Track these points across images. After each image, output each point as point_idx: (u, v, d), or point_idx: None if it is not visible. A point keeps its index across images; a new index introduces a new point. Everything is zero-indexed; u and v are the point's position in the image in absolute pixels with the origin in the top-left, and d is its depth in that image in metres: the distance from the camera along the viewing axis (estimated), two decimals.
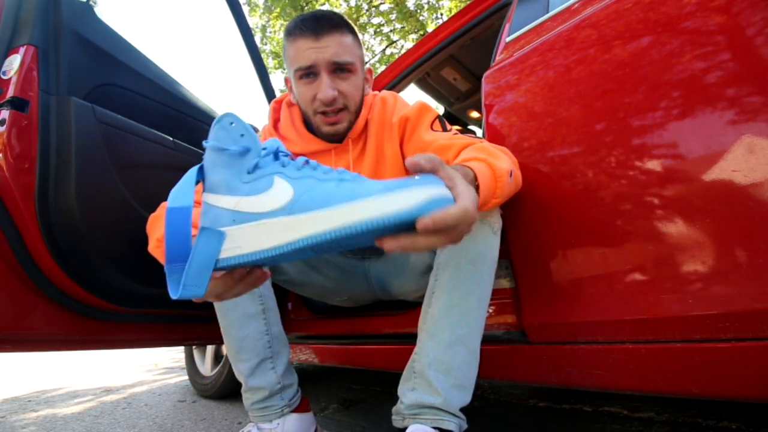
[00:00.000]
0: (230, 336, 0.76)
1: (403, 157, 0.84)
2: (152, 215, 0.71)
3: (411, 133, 0.81)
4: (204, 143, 0.46)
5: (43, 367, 3.04)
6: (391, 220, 0.35)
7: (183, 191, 0.43)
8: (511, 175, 0.60)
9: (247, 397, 0.79)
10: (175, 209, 0.41)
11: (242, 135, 0.44)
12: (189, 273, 0.39)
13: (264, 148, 0.46)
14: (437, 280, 0.66)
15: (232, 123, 0.44)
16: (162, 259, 0.65)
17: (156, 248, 0.67)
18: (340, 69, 0.75)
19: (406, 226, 0.36)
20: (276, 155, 0.46)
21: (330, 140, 0.83)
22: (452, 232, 0.38)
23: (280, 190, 0.41)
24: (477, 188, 0.54)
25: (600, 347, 0.63)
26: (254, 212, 0.41)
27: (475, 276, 0.63)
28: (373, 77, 0.91)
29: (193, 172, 0.45)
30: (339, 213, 0.36)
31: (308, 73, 0.75)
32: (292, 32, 0.75)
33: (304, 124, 0.84)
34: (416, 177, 0.39)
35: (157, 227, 0.68)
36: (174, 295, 0.40)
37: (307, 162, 0.44)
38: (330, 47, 0.73)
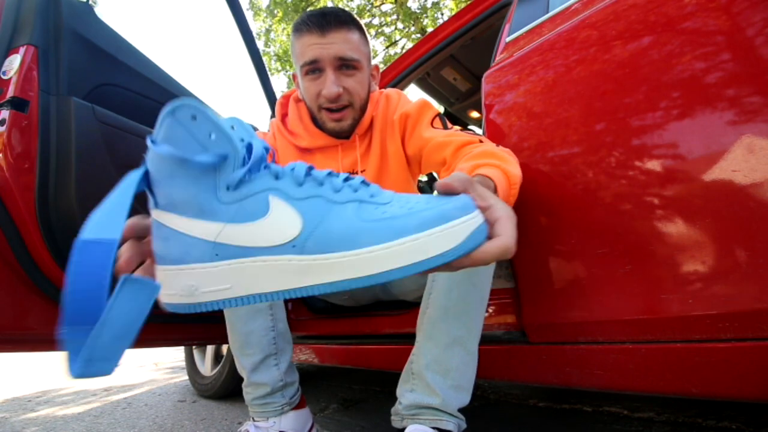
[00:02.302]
0: (235, 330, 0.76)
1: (405, 154, 0.84)
2: None
3: (412, 129, 0.81)
4: (149, 142, 0.31)
5: (43, 367, 3.04)
6: (426, 266, 0.30)
7: (109, 215, 0.28)
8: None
9: (248, 392, 0.78)
10: (90, 243, 0.26)
11: (211, 135, 0.30)
12: (98, 343, 0.26)
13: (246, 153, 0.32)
14: (434, 281, 0.65)
15: (194, 116, 0.29)
16: None
17: None
18: (345, 65, 0.75)
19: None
20: (263, 163, 0.33)
21: (337, 136, 0.83)
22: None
23: (283, 219, 0.31)
24: None
25: (600, 347, 0.63)
26: (248, 246, 0.31)
27: (472, 277, 0.63)
28: (380, 74, 0.91)
29: (130, 183, 0.30)
30: (369, 258, 0.30)
31: (313, 68, 0.75)
32: (299, 28, 0.76)
33: (312, 120, 0.85)
34: (447, 203, 0.33)
35: None
36: (73, 372, 0.27)
37: (308, 172, 0.34)
38: (335, 43, 0.73)
